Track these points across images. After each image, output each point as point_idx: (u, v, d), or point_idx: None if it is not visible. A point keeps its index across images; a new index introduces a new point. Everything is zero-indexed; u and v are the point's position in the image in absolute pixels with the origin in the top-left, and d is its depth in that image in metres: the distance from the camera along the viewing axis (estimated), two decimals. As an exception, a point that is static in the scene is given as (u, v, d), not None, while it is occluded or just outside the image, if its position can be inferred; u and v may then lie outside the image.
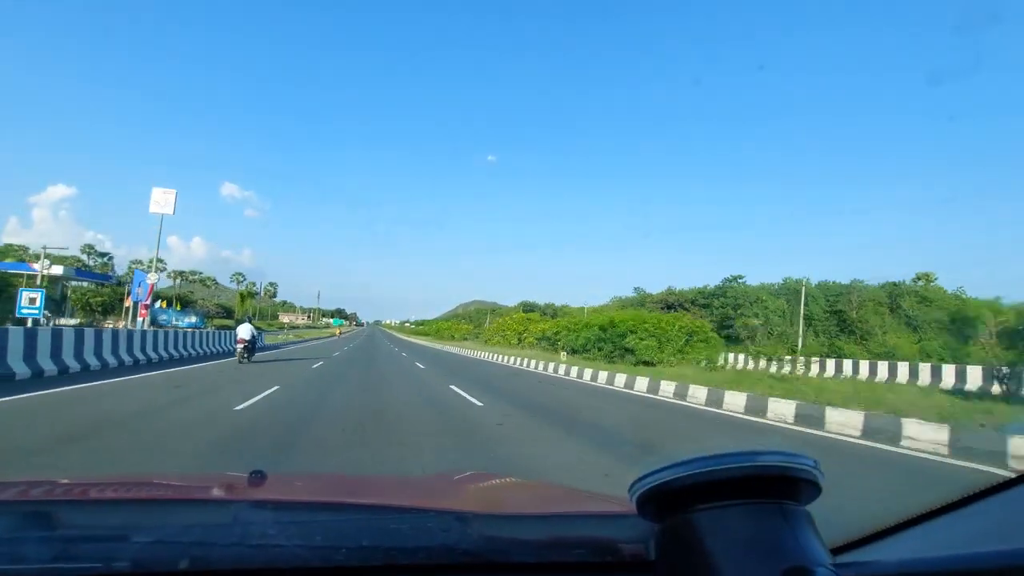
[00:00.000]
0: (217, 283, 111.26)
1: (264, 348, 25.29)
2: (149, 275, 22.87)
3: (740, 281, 48.06)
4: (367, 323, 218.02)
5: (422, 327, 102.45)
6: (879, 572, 0.63)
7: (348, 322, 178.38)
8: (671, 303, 45.36)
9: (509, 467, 4.79)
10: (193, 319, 51.95)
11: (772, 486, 0.67)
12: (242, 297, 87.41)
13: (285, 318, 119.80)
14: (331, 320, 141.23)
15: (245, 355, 15.32)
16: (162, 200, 22.88)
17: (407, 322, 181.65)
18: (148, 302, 22.25)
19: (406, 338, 79.15)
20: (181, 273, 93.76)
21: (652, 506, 0.71)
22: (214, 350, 20.64)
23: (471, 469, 2.77)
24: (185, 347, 18.07)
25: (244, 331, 15.76)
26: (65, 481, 1.33)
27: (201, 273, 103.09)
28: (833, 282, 43.61)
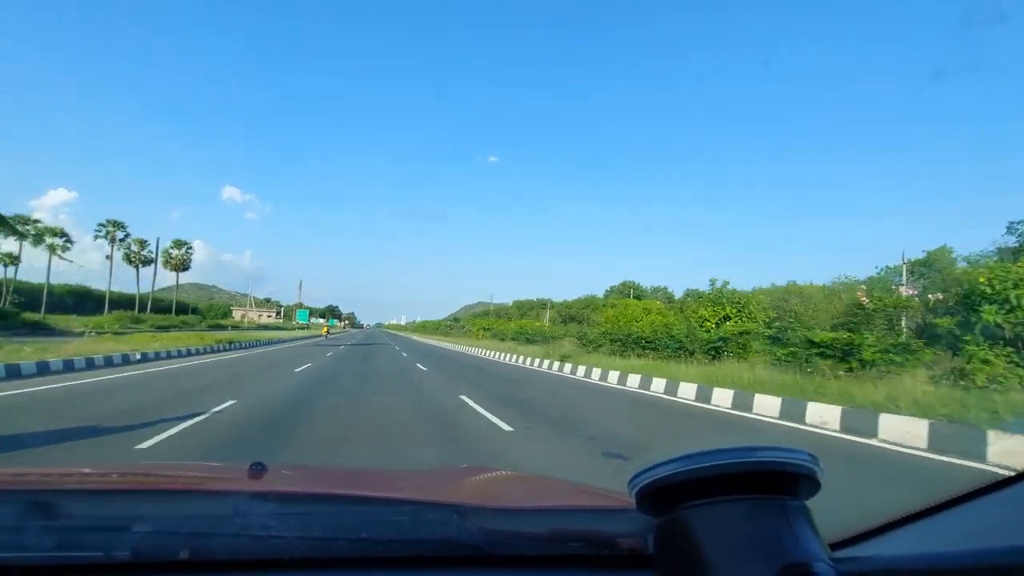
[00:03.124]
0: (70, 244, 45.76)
1: (121, 363, 13.43)
2: None
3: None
4: (367, 325, 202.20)
5: (487, 321, 55.84)
6: (877, 567, 0.63)
7: (342, 322, 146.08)
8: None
9: None
10: None
11: (770, 481, 0.67)
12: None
13: (238, 314, 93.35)
14: (295, 315, 71.62)
15: None
16: None
17: (414, 321, 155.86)
18: None
19: (422, 339, 56.11)
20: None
21: (651, 501, 0.71)
22: None
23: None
24: None
25: None
26: (66, 470, 1.34)
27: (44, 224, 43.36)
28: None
